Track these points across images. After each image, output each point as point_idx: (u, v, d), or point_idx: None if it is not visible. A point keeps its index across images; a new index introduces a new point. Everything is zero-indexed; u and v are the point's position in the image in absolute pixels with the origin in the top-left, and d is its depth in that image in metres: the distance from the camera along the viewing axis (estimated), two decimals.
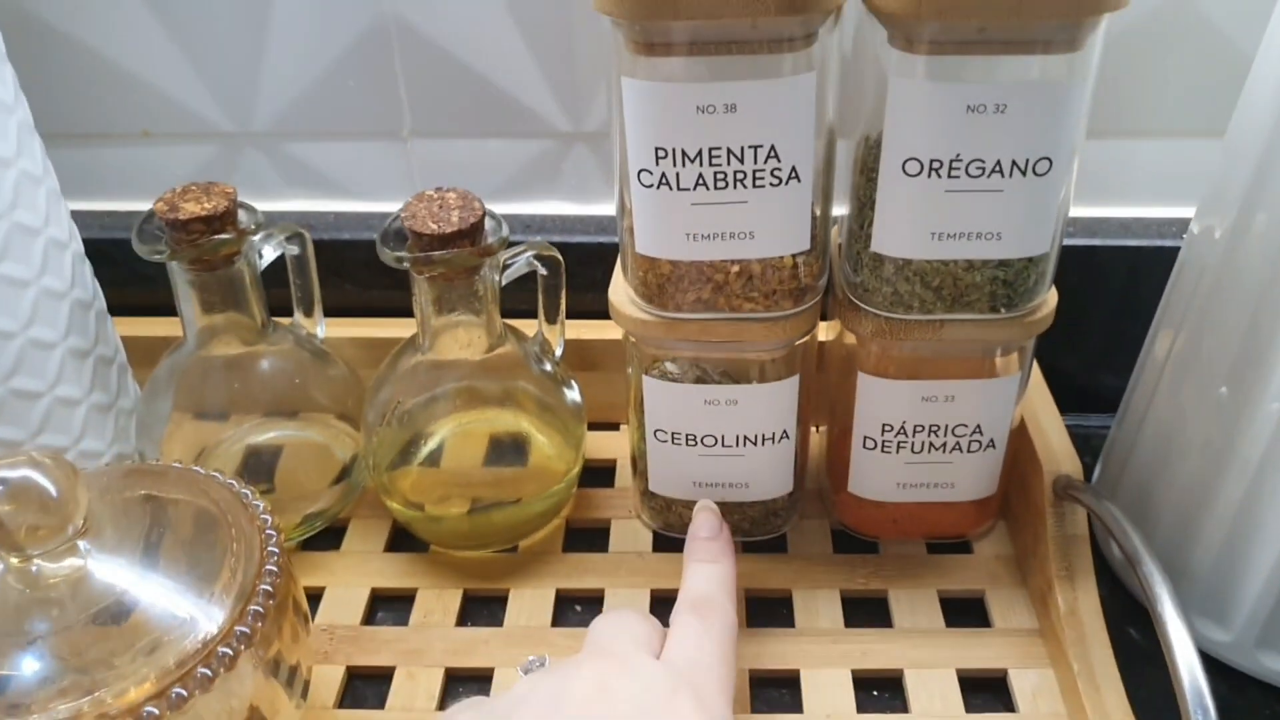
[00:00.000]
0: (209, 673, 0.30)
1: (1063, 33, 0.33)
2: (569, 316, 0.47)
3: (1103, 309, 0.53)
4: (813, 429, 0.50)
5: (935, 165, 0.34)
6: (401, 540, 0.48)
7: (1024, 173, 0.34)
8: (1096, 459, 0.51)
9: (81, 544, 0.31)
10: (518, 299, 0.45)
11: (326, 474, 0.48)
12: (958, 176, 0.34)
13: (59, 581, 0.31)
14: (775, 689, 0.41)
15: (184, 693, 0.29)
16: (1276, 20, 0.35)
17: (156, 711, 0.29)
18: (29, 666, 0.30)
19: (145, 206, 0.55)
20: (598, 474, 0.51)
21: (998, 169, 0.34)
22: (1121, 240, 0.51)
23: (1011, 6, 0.31)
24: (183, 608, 0.32)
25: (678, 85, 0.34)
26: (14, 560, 0.30)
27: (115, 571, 0.32)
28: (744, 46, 0.33)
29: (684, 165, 0.35)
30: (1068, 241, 0.51)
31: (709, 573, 0.36)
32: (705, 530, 0.39)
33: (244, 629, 0.32)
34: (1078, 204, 0.52)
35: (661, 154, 0.35)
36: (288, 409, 0.47)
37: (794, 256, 0.38)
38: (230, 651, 0.31)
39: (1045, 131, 0.33)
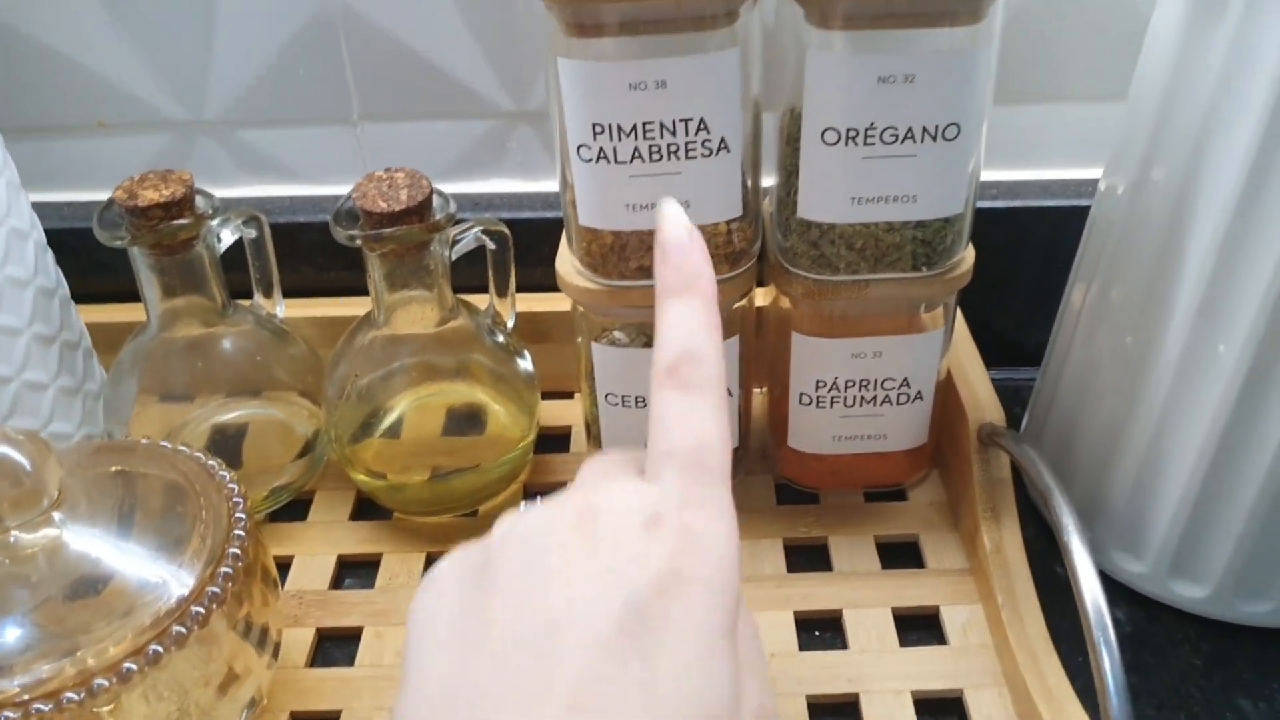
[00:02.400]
0: (184, 630, 0.32)
1: (965, 5, 0.35)
2: (519, 290, 0.49)
3: (1028, 267, 0.56)
4: (756, 390, 0.52)
5: (852, 134, 0.36)
6: (366, 509, 0.49)
7: (935, 138, 0.36)
8: (1026, 409, 0.54)
9: (56, 515, 0.33)
10: (469, 275, 0.47)
11: (290, 449, 0.49)
12: (873, 144, 0.36)
13: (36, 552, 0.32)
14: None
15: (160, 649, 0.31)
16: None
17: (135, 667, 0.30)
18: (10, 634, 0.31)
19: (103, 196, 0.55)
20: (554, 441, 0.53)
21: (910, 135, 0.36)
22: (1041, 201, 0.54)
23: None
24: (156, 573, 0.33)
25: (610, 64, 0.35)
26: (3, 533, 0.32)
27: (89, 542, 0.33)
28: (670, 25, 0.35)
29: (620, 140, 0.37)
30: (992, 204, 0.54)
31: (683, 312, 0.27)
32: (672, 245, 0.28)
33: (215, 589, 0.33)
34: (1000, 168, 0.55)
35: (598, 129, 0.37)
36: (250, 388, 0.49)
37: (728, 223, 0.40)
38: (203, 610, 0.33)
39: (953, 99, 0.36)
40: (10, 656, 0.31)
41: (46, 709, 0.29)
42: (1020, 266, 0.55)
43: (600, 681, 0.22)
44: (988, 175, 0.55)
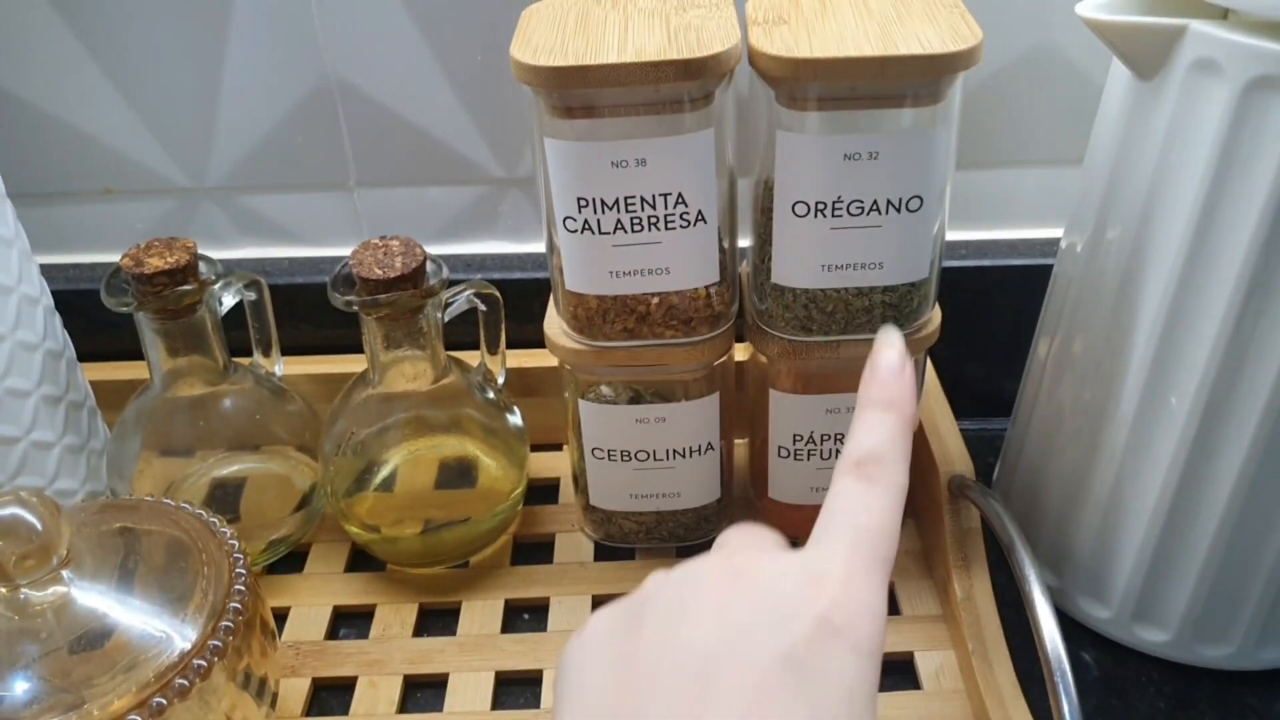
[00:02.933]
0: (185, 683, 0.33)
1: (925, 89, 0.37)
2: (510, 347, 0.50)
3: (999, 322, 0.58)
4: (738, 441, 0.53)
5: (820, 207, 0.38)
6: (360, 561, 0.51)
7: (899, 210, 0.38)
8: (999, 457, 0.55)
9: (65, 573, 0.34)
10: (463, 332, 0.49)
11: (288, 502, 0.50)
12: (840, 216, 0.38)
13: (45, 608, 0.34)
14: None
15: (164, 701, 0.32)
16: (1117, 61, 0.40)
17: (164, 701, 0.32)
18: (19, 687, 0.32)
19: (109, 259, 0.57)
20: (542, 491, 0.54)
21: (876, 208, 0.38)
22: (1009, 260, 0.56)
23: (876, 69, 0.35)
24: (159, 627, 0.35)
25: (594, 144, 0.37)
26: (3, 589, 0.33)
27: (96, 598, 0.35)
28: (650, 108, 0.37)
29: (603, 213, 0.39)
30: (962, 262, 0.56)
31: (880, 422, 0.29)
32: (884, 367, 0.30)
33: (216, 643, 0.35)
34: (970, 228, 0.57)
35: (583, 203, 0.39)
36: (250, 443, 0.50)
37: (706, 288, 0.42)
38: (204, 664, 0.34)
39: (915, 173, 0.38)
40: (17, 709, 0.32)
41: None
42: (992, 321, 0.57)
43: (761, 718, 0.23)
44: (959, 235, 0.57)
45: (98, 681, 0.33)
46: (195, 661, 0.34)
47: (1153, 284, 0.39)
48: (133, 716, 0.32)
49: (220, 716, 0.36)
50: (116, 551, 0.37)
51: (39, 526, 0.33)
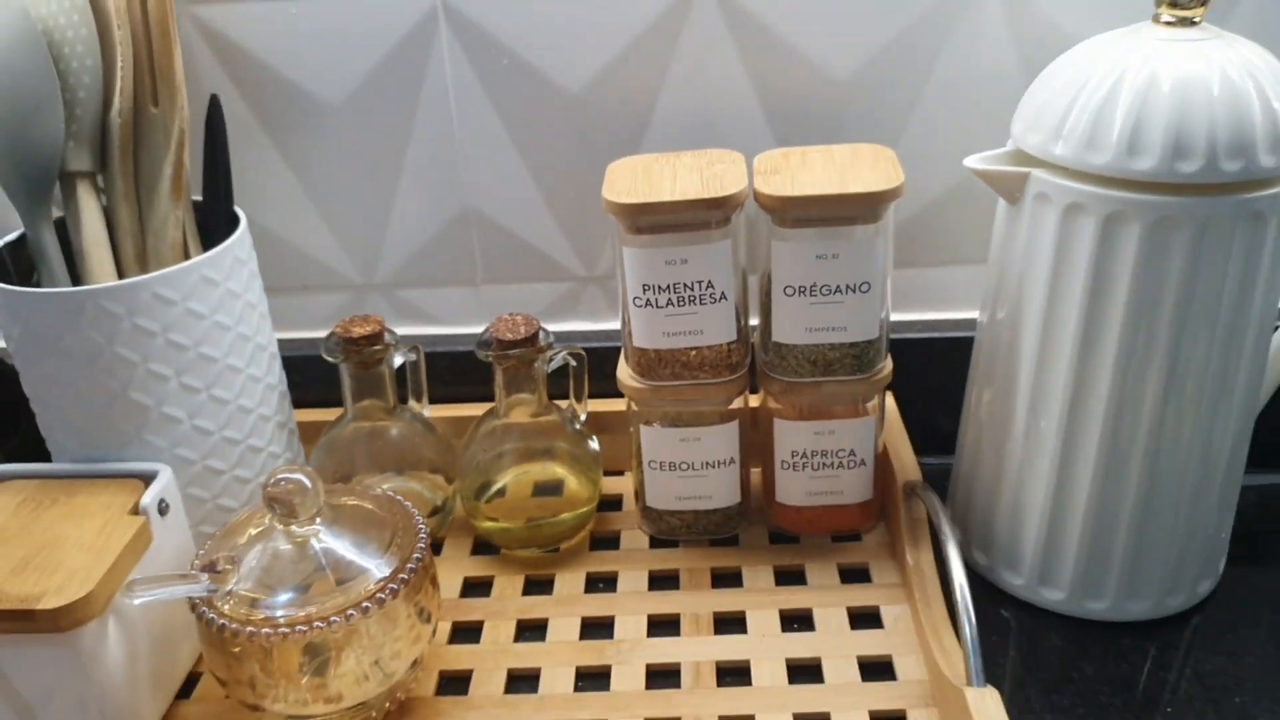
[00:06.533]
0: (385, 597, 0.49)
1: (868, 213, 0.54)
2: (588, 396, 0.67)
3: (950, 381, 0.72)
4: (754, 469, 0.69)
5: (803, 289, 0.55)
6: (481, 548, 0.66)
7: (854, 291, 0.55)
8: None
9: (317, 520, 0.50)
10: (554, 386, 0.65)
11: (423, 511, 0.66)
12: (815, 296, 0.55)
13: (305, 540, 0.50)
14: (729, 624, 0.59)
15: (384, 597, 0.48)
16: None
17: (370, 605, 0.47)
18: (288, 593, 0.48)
19: (302, 335, 0.75)
20: (611, 503, 0.70)
21: (838, 290, 0.55)
22: (954, 333, 0.72)
23: (834, 203, 0.52)
24: (368, 563, 0.51)
25: (655, 250, 0.55)
26: (288, 526, 0.49)
27: (332, 539, 0.51)
28: (691, 227, 0.55)
29: (659, 294, 0.56)
30: (920, 335, 0.72)
31: None
32: None
33: (404, 576, 0.50)
34: (924, 310, 0.73)
35: (646, 288, 0.56)
36: (405, 465, 0.66)
37: (728, 344, 0.58)
38: (398, 586, 0.50)
39: (863, 268, 0.55)
40: (286, 604, 0.48)
41: (323, 626, 0.46)
42: (945, 381, 0.72)
43: None
44: (916, 315, 0.73)
45: (331, 591, 0.49)
46: (390, 585, 0.50)
47: (1025, 348, 0.54)
48: (351, 612, 0.47)
49: (404, 629, 0.52)
50: (341, 514, 0.53)
51: (309, 486, 0.49)
